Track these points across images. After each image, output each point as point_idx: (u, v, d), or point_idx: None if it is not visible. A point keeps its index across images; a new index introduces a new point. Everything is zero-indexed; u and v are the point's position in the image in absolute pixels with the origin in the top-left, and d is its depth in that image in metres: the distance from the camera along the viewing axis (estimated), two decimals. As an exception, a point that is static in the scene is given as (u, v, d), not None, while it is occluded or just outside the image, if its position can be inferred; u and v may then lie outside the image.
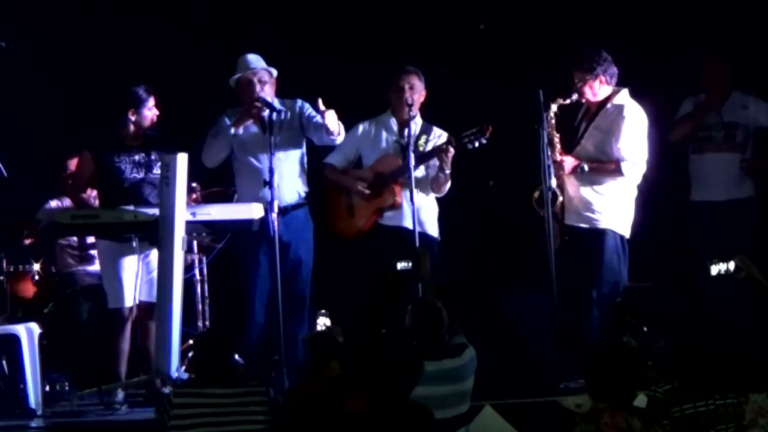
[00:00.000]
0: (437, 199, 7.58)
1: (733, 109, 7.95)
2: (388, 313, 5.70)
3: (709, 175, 7.96)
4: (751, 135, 7.95)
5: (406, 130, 7.38)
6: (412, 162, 7.26)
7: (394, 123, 7.63)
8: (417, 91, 7.51)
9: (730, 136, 7.93)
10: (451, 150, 7.32)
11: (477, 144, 7.34)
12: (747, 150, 7.94)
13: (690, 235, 8.01)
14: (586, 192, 7.35)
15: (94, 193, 7.80)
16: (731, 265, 5.48)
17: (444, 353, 5.60)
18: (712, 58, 7.99)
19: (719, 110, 7.96)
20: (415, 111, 7.49)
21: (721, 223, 7.89)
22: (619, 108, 7.39)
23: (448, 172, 7.36)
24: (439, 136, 7.55)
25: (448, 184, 7.47)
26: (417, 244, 7.15)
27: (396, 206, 7.46)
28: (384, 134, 7.63)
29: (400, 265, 5.78)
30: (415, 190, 7.30)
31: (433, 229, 7.55)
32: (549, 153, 7.19)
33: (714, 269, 5.50)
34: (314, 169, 7.69)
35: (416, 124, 7.51)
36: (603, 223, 7.32)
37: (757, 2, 8.36)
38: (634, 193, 7.43)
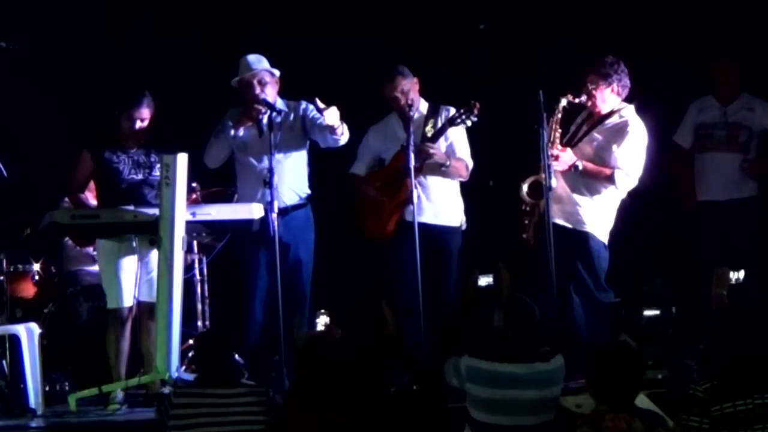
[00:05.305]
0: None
1: (739, 110, 7.96)
2: (466, 329, 5.59)
3: (711, 174, 7.97)
4: (756, 137, 7.95)
5: (410, 126, 7.41)
6: (412, 159, 7.26)
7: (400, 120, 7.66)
8: (409, 89, 7.55)
9: (733, 136, 7.94)
10: (431, 148, 7.38)
11: (469, 123, 7.40)
12: (750, 151, 7.94)
13: (692, 234, 8.00)
14: (576, 193, 7.31)
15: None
16: (741, 275, 5.56)
17: (536, 356, 5.48)
18: (723, 56, 7.99)
19: (724, 109, 7.96)
20: (416, 105, 7.51)
21: (722, 222, 7.90)
22: (625, 121, 7.30)
23: (449, 162, 7.45)
24: (447, 110, 7.59)
25: (464, 168, 7.56)
26: (416, 234, 7.17)
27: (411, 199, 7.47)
28: (398, 132, 7.62)
29: (483, 281, 5.62)
30: (431, 178, 7.41)
31: (452, 219, 7.58)
32: (548, 147, 7.18)
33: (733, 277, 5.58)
34: (317, 171, 7.68)
35: (420, 112, 7.57)
36: (588, 226, 7.29)
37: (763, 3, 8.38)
38: (618, 204, 7.39)
